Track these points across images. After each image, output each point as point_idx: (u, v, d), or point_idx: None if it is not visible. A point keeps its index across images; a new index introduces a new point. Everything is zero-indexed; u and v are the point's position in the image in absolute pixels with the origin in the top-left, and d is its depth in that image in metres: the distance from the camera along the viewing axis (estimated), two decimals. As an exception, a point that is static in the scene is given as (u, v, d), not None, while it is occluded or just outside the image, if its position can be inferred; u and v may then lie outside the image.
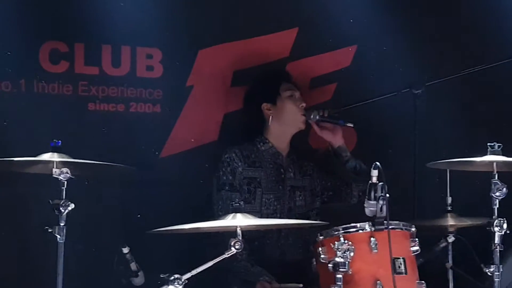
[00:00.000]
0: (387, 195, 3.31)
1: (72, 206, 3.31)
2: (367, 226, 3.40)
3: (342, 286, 3.29)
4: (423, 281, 3.45)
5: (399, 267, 3.39)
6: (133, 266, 3.62)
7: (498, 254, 3.45)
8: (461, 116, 4.66)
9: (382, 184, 3.32)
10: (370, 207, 3.35)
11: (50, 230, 3.29)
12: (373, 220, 3.37)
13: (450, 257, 3.92)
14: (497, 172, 3.47)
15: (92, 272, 3.98)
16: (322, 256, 3.40)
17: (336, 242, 3.35)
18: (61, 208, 3.29)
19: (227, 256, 3.21)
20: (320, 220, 3.50)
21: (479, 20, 4.70)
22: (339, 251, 3.33)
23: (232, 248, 3.20)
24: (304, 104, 4.31)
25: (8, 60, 4.18)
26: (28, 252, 4.09)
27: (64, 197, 3.30)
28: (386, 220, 3.34)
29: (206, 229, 3.42)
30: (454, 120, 4.63)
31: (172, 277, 3.12)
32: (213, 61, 4.54)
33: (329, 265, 3.33)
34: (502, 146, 3.51)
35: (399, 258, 3.39)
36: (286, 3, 4.63)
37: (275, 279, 3.92)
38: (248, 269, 3.97)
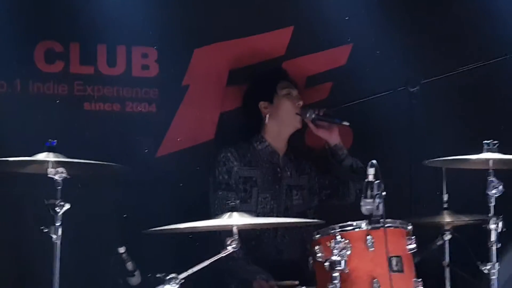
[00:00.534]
0: (384, 193, 3.31)
1: (67, 206, 3.30)
2: (363, 224, 3.39)
3: (339, 284, 3.28)
4: (420, 279, 3.45)
5: (396, 265, 3.38)
6: (130, 265, 3.62)
7: (494, 251, 3.44)
8: (457, 114, 4.66)
9: (379, 182, 3.32)
10: (366, 205, 3.34)
11: (45, 230, 3.28)
12: (370, 218, 3.36)
13: (446, 255, 3.92)
14: (493, 169, 3.47)
15: (88, 272, 3.98)
16: (318, 254, 3.40)
17: (332, 241, 3.34)
18: (56, 208, 3.28)
19: (223, 255, 3.20)
20: (317, 219, 3.49)
21: (475, 18, 4.70)
22: (336, 250, 3.32)
23: (229, 247, 3.19)
24: (301, 102, 4.31)
25: (3, 60, 4.17)
26: (24, 252, 4.08)
27: (59, 197, 3.29)
28: (382, 218, 3.34)
29: (203, 229, 3.42)
30: (450, 117, 4.64)
31: (169, 277, 3.11)
32: (209, 60, 4.54)
33: (326, 263, 3.32)
34: (498, 144, 3.50)
35: (395, 256, 3.38)
36: (281, 2, 4.63)
37: (272, 277, 3.91)
38: (245, 267, 3.97)
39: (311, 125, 4.32)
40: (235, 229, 3.22)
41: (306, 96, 4.57)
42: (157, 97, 4.46)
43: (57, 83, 4.31)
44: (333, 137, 4.32)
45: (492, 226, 3.44)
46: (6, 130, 4.11)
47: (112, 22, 4.28)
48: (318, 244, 3.42)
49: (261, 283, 3.89)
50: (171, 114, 4.49)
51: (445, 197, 3.93)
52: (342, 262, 3.30)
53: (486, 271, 3.46)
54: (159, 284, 3.13)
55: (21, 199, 4.06)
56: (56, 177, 3.30)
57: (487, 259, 3.46)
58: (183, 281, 3.14)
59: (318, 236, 3.44)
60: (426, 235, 3.81)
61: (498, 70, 4.56)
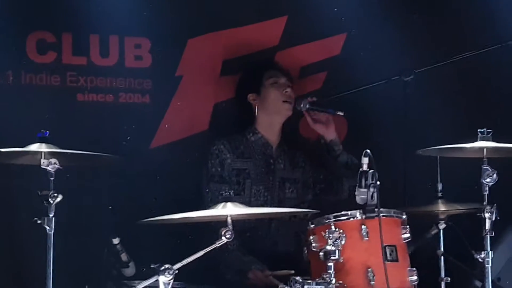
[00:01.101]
0: (378, 182, 3.30)
1: (60, 197, 3.28)
2: (358, 214, 3.39)
3: (333, 274, 3.28)
4: (414, 268, 3.45)
5: (390, 254, 3.38)
6: (124, 257, 3.61)
7: (488, 240, 3.44)
8: (451, 103, 4.65)
9: (373, 172, 3.31)
10: (360, 195, 3.35)
11: (39, 222, 3.27)
12: (364, 208, 3.36)
13: (441, 244, 3.92)
14: (487, 158, 3.46)
15: (82, 263, 3.96)
16: (313, 244, 3.39)
17: (327, 230, 3.34)
18: (49, 199, 3.27)
19: (218, 245, 3.19)
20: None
21: (469, 7, 4.69)
22: (330, 239, 3.32)
23: (223, 238, 3.19)
24: (289, 89, 4.27)
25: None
26: (17, 243, 4.06)
27: (52, 188, 3.28)
28: (377, 208, 3.33)
29: (197, 219, 3.41)
30: (444, 106, 4.63)
31: (163, 267, 3.10)
32: (203, 51, 4.53)
33: (320, 253, 3.32)
34: (492, 132, 3.50)
35: (390, 246, 3.38)
36: (275, -9, 4.61)
37: (267, 267, 3.91)
38: (240, 258, 3.97)
39: (308, 119, 4.30)
40: (229, 219, 3.21)
41: (300, 86, 4.56)
42: (151, 88, 4.45)
43: (49, 74, 4.29)
44: (329, 132, 4.30)
45: (487, 215, 3.44)
46: (-1, 121, 4.10)
47: (104, 12, 4.26)
48: (313, 234, 3.42)
49: (256, 273, 3.89)
50: (164, 105, 4.47)
51: (440, 186, 3.93)
52: (337, 252, 3.29)
53: (480, 260, 3.46)
54: (153, 275, 3.12)
55: (14, 190, 4.05)
56: (49, 168, 3.29)
57: (481, 248, 3.46)
58: (177, 271, 3.13)
59: (312, 226, 3.44)
60: (420, 224, 3.81)
61: (492, 59, 4.55)
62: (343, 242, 3.33)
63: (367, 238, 3.37)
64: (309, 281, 3.30)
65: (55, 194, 3.27)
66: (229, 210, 3.26)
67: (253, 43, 4.58)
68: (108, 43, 4.37)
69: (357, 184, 3.35)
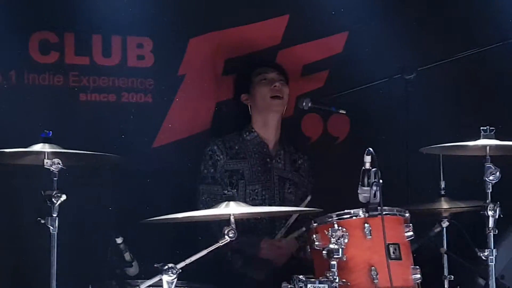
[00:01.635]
0: (381, 180, 3.30)
1: (64, 197, 3.29)
2: (360, 212, 3.38)
3: (336, 272, 3.28)
4: (417, 266, 3.45)
5: (394, 252, 3.38)
6: (127, 256, 3.61)
7: (492, 238, 3.44)
8: (453, 101, 4.65)
9: (375, 170, 3.31)
10: (363, 193, 3.34)
11: (42, 222, 3.27)
12: (367, 206, 3.36)
13: (444, 242, 3.92)
14: (490, 156, 3.46)
15: (86, 263, 3.97)
16: (316, 243, 3.39)
17: (330, 229, 3.33)
18: (53, 199, 3.27)
19: (221, 244, 3.19)
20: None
21: (471, 5, 4.69)
22: (333, 238, 3.31)
23: (226, 237, 3.18)
24: (278, 84, 4.21)
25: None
26: (21, 243, 4.07)
27: (56, 188, 3.28)
28: (379, 206, 3.33)
29: (200, 218, 3.41)
30: (446, 104, 4.63)
31: (166, 266, 3.11)
32: (204, 50, 4.53)
33: (324, 252, 3.32)
34: (495, 130, 3.49)
35: (393, 244, 3.38)
36: (276, -10, 4.61)
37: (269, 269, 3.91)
38: (247, 240, 3.92)
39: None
40: (232, 218, 3.21)
41: (302, 84, 4.57)
42: (153, 87, 4.45)
43: (52, 74, 4.30)
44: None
45: (490, 213, 3.43)
46: (2, 121, 4.10)
47: (107, 12, 4.27)
48: (316, 233, 3.42)
49: (267, 242, 3.90)
50: (167, 104, 4.48)
51: (442, 184, 3.92)
52: (340, 250, 3.29)
53: (484, 257, 3.46)
54: (157, 274, 3.12)
55: (17, 190, 4.06)
56: (53, 168, 3.29)
57: (484, 246, 3.46)
58: (180, 271, 3.13)
59: (315, 224, 3.43)
60: (423, 222, 3.81)
61: (494, 57, 4.55)
62: (346, 240, 3.32)
63: (370, 237, 3.37)
64: (313, 279, 3.30)
65: (59, 194, 3.28)
66: (232, 209, 3.26)
67: (255, 42, 4.58)
68: (110, 43, 4.38)
69: (360, 183, 3.34)
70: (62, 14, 4.27)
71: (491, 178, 3.43)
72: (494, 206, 3.44)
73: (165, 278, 3.10)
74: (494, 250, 3.45)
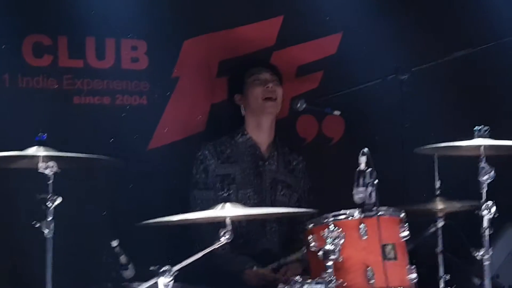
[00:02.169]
0: (376, 181, 3.30)
1: (59, 200, 3.28)
2: (356, 213, 3.38)
3: (332, 273, 3.28)
4: (413, 266, 3.45)
5: (389, 253, 3.38)
6: (123, 259, 3.60)
7: (487, 237, 3.44)
8: (448, 101, 4.66)
9: (371, 171, 3.31)
10: (359, 194, 3.34)
11: (37, 225, 3.26)
12: (362, 206, 3.36)
13: (440, 241, 3.92)
14: (484, 155, 3.46)
15: (82, 266, 3.96)
16: (312, 244, 3.39)
17: (325, 230, 3.34)
18: (48, 203, 3.26)
19: (217, 246, 3.19)
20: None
21: (465, 5, 4.70)
22: (329, 239, 3.32)
23: (222, 239, 3.18)
24: (271, 84, 4.19)
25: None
26: (16, 247, 4.06)
27: (51, 191, 3.27)
28: (375, 207, 3.33)
29: (195, 221, 3.40)
30: (441, 104, 4.64)
31: (162, 269, 3.10)
32: (199, 52, 4.53)
33: (319, 253, 3.32)
34: (488, 130, 3.50)
35: (389, 244, 3.38)
36: (270, -9, 4.62)
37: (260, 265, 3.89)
38: (233, 260, 3.93)
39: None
40: (228, 220, 3.21)
41: (296, 85, 4.57)
42: (147, 90, 4.45)
43: (46, 77, 4.29)
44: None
45: (485, 212, 3.43)
46: (-4, 125, 4.09)
47: (100, 14, 4.26)
48: (311, 234, 3.41)
49: (249, 273, 3.87)
50: (161, 107, 4.47)
51: (437, 184, 3.92)
52: (336, 251, 3.29)
53: (479, 257, 3.46)
54: (153, 277, 3.12)
55: (12, 194, 4.04)
56: (47, 171, 3.28)
57: (480, 245, 3.46)
58: (177, 273, 3.12)
59: (311, 225, 3.43)
60: (418, 222, 3.81)
61: (488, 56, 4.56)
62: (342, 241, 3.32)
63: (366, 237, 3.37)
64: (309, 280, 3.29)
65: (54, 197, 3.27)
66: (228, 211, 3.26)
67: (249, 44, 4.58)
68: (104, 45, 4.37)
69: (355, 183, 3.34)
70: (55, 17, 4.26)
71: (485, 177, 3.43)
72: (489, 205, 3.44)
73: (161, 280, 3.10)
74: (489, 249, 3.45)
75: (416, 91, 4.47)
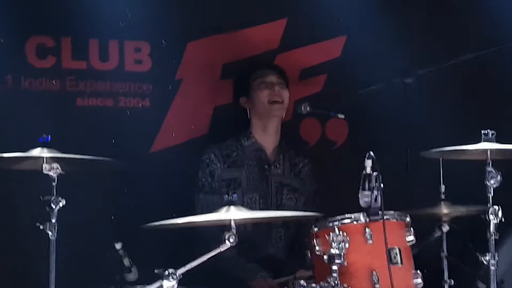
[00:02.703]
0: (381, 185, 3.28)
1: (63, 202, 3.26)
2: (361, 217, 3.36)
3: (337, 277, 3.26)
4: (418, 271, 3.43)
5: (395, 257, 3.36)
6: (126, 261, 3.58)
7: (493, 242, 3.42)
8: (453, 104, 4.65)
9: (376, 174, 3.29)
10: (364, 198, 3.32)
11: (41, 227, 3.24)
12: (368, 210, 3.34)
13: (444, 246, 3.91)
14: (491, 160, 3.45)
15: (85, 269, 3.94)
16: (317, 248, 3.37)
17: (331, 234, 3.32)
18: (52, 204, 3.24)
19: (221, 250, 3.17)
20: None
21: (470, 8, 4.68)
22: (334, 243, 3.30)
23: (227, 242, 3.16)
24: (277, 87, 4.16)
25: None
26: (20, 249, 4.04)
27: (55, 193, 3.25)
28: (380, 211, 3.31)
29: (200, 223, 3.39)
30: (446, 108, 4.62)
31: (167, 272, 3.08)
32: (202, 54, 4.52)
33: (325, 257, 3.30)
34: (495, 134, 3.48)
35: (394, 249, 3.36)
36: (274, -6, 4.60)
37: (270, 275, 3.87)
38: (243, 266, 3.91)
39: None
40: (233, 223, 3.19)
41: (300, 89, 4.55)
42: (151, 92, 4.43)
43: (49, 78, 4.27)
44: None
45: (491, 217, 3.42)
46: (-1, 126, 4.08)
47: (104, 16, 4.25)
48: (317, 238, 3.39)
49: (260, 283, 3.84)
50: (165, 109, 4.46)
51: (443, 188, 3.91)
52: (341, 255, 3.27)
53: (485, 262, 3.44)
54: (157, 280, 3.10)
55: (16, 195, 4.03)
56: (51, 173, 3.26)
57: (485, 250, 3.44)
58: (181, 276, 3.10)
59: (316, 229, 3.41)
60: (424, 227, 3.80)
61: (494, 60, 4.55)
62: (347, 245, 3.31)
63: (371, 241, 3.35)
64: (313, 284, 3.27)
65: (58, 199, 3.25)
66: (233, 214, 3.24)
67: (253, 46, 4.57)
68: (107, 47, 4.36)
69: (361, 187, 3.33)
70: (59, 18, 4.25)
71: (492, 182, 3.41)
72: (496, 210, 3.42)
73: (166, 283, 3.07)
74: (495, 254, 3.43)
75: (421, 94, 4.45)
